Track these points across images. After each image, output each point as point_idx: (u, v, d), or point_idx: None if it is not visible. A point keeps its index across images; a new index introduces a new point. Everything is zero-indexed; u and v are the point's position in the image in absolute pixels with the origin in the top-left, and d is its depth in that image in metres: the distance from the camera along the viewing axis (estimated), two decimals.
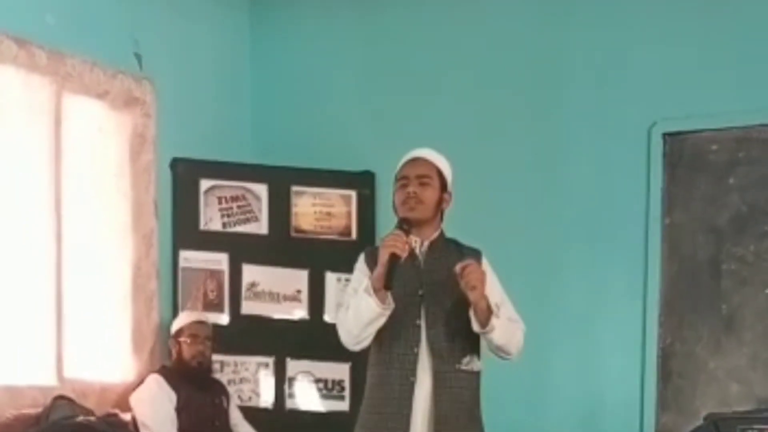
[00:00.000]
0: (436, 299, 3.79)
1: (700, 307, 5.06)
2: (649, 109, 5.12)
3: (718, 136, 5.02)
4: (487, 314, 3.71)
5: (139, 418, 4.80)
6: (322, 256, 5.53)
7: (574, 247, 5.29)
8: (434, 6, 5.61)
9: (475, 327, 3.75)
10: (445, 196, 3.89)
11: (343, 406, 5.49)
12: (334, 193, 5.65)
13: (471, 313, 3.74)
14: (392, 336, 3.79)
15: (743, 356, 4.96)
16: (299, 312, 5.57)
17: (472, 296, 3.67)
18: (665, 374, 5.11)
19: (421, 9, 5.65)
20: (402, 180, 3.85)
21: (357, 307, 3.73)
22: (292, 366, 5.56)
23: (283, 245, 5.60)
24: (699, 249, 5.07)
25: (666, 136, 5.11)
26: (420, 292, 3.81)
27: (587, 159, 5.27)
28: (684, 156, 5.10)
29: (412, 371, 3.78)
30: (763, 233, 4.94)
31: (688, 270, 5.09)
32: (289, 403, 5.57)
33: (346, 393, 5.51)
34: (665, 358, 5.12)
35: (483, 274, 3.71)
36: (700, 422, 4.32)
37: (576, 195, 5.29)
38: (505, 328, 3.77)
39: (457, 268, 3.66)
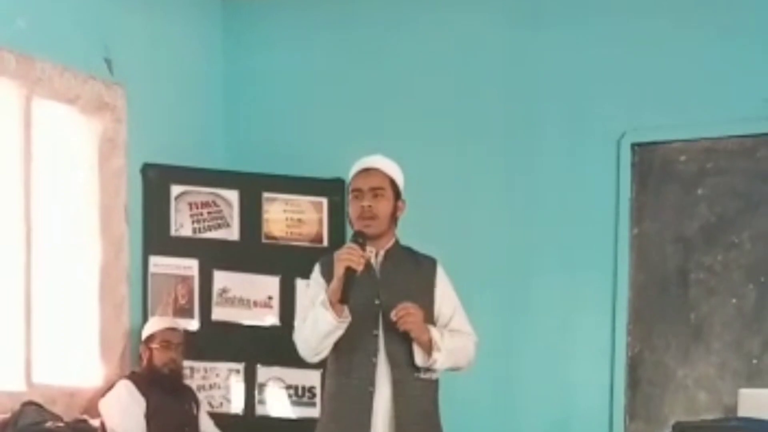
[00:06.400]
0: (393, 308, 3.79)
1: (669, 316, 5.10)
2: (619, 119, 5.16)
3: (687, 146, 5.06)
4: (428, 349, 3.77)
5: (108, 424, 4.78)
6: (293, 263, 5.52)
7: (543, 256, 5.31)
8: (406, 16, 5.62)
9: (418, 361, 3.81)
10: (399, 204, 3.92)
11: (314, 412, 5.46)
12: (305, 200, 5.65)
13: (414, 348, 3.79)
14: (350, 346, 3.81)
15: (711, 365, 5.01)
16: (270, 318, 5.57)
17: (411, 334, 3.75)
18: (634, 382, 5.15)
19: (393, 18, 5.66)
20: (355, 192, 3.87)
21: (314, 320, 3.74)
22: (263, 372, 5.55)
23: (254, 251, 5.59)
24: (668, 258, 5.11)
25: (635, 146, 5.15)
26: (377, 302, 3.84)
27: (557, 168, 5.30)
28: (653, 166, 5.14)
29: (371, 381, 3.81)
30: (731, 243, 4.99)
31: (656, 279, 5.13)
32: (260, 410, 5.56)
33: (317, 399, 5.49)
34: (634, 366, 5.15)
35: (417, 314, 3.74)
36: (668, 430, 4.33)
37: (545, 204, 5.31)
38: (449, 356, 3.83)
39: (392, 315, 3.72)
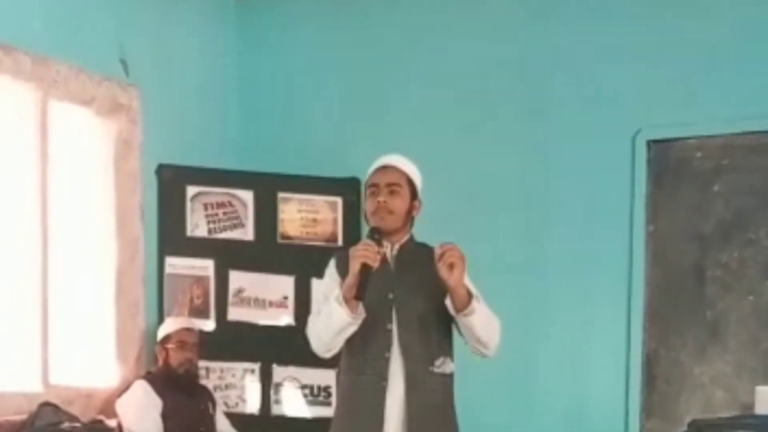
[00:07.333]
0: (407, 303, 3.79)
1: (685, 313, 5.09)
2: (634, 116, 5.14)
3: (703, 143, 5.05)
4: (466, 298, 3.67)
5: (125, 425, 4.79)
6: (308, 263, 5.50)
7: (558, 253, 5.31)
8: (420, 13, 5.63)
9: (453, 310, 3.72)
10: (415, 203, 3.90)
11: (329, 412, 5.40)
12: (320, 200, 5.66)
13: (447, 300, 3.71)
14: (364, 341, 3.79)
15: (727, 363, 4.99)
16: (285, 318, 5.57)
17: (451, 276, 3.62)
18: (650, 380, 5.14)
19: (407, 16, 5.67)
20: (372, 188, 3.86)
21: (328, 316, 3.73)
22: (279, 372, 5.56)
23: (269, 251, 5.60)
24: (684, 256, 5.10)
25: (651, 143, 5.13)
26: (391, 296, 3.82)
27: (572, 166, 5.29)
28: (669, 163, 5.12)
29: (384, 376, 3.78)
30: (747, 240, 4.98)
31: (672, 277, 5.11)
32: (276, 409, 5.56)
33: (332, 399, 5.49)
34: (650, 364, 5.14)
35: (463, 255, 3.66)
36: (684, 428, 4.33)
37: (560, 201, 5.30)
38: (486, 316, 3.74)
39: (437, 248, 3.63)
